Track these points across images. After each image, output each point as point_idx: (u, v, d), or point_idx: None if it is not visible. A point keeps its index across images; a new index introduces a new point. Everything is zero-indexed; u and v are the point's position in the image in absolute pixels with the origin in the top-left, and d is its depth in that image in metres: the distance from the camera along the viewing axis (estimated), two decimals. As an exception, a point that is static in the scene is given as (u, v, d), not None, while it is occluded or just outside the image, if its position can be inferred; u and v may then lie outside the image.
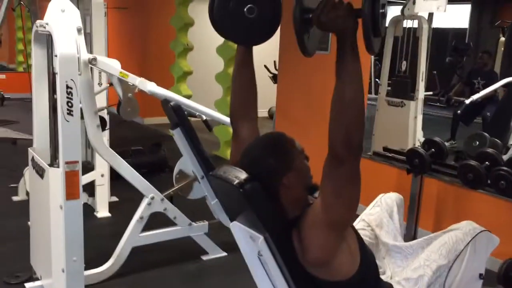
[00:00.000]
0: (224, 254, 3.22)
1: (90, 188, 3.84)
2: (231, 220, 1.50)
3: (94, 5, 3.51)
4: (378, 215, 1.98)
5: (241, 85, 1.66)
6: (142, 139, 6.06)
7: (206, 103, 3.21)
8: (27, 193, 3.91)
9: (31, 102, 2.69)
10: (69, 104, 2.36)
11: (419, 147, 3.32)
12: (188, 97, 5.60)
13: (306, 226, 1.38)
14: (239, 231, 1.48)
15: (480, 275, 1.69)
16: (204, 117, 3.12)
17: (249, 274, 1.59)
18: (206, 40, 7.18)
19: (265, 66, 6.21)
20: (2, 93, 8.24)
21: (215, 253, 3.20)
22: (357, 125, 1.24)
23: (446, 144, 3.29)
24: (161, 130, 6.90)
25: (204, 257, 3.18)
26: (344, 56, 1.23)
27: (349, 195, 1.31)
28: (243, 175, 1.32)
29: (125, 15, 7.75)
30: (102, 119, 2.85)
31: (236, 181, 1.30)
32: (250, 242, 1.45)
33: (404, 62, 4.50)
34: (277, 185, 1.40)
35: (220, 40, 5.76)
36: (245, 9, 1.54)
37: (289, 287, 1.38)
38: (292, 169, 1.42)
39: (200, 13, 7.15)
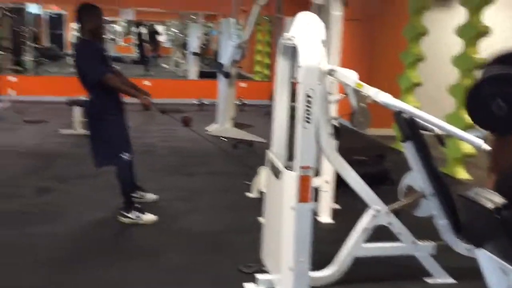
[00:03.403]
0: (452, 281, 2.98)
1: (314, 193, 3.99)
2: (477, 246, 1.36)
3: (333, 18, 3.65)
4: None
5: None
6: (365, 149, 6.05)
7: (434, 116, 3.03)
8: (259, 191, 4.30)
9: (266, 108, 2.93)
10: (308, 112, 2.49)
11: None
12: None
13: None
14: (487, 260, 1.33)
15: None
16: (437, 131, 2.94)
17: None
18: (439, 50, 6.83)
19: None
20: (242, 99, 9.24)
21: (441, 277, 2.99)
22: None
23: None
24: (385, 141, 6.80)
25: (429, 280, 2.99)
26: None
27: None
28: (499, 199, 1.19)
29: (355, 26, 7.87)
30: (336, 128, 2.93)
31: (492, 206, 1.17)
32: (500, 275, 1.30)
33: None
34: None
35: (457, 49, 5.40)
36: (493, 106, 1.48)
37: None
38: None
39: (435, 22, 6.83)
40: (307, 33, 2.54)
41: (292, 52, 2.80)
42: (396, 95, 6.71)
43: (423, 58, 6.42)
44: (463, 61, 5.31)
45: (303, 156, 2.50)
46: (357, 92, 2.97)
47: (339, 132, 3.00)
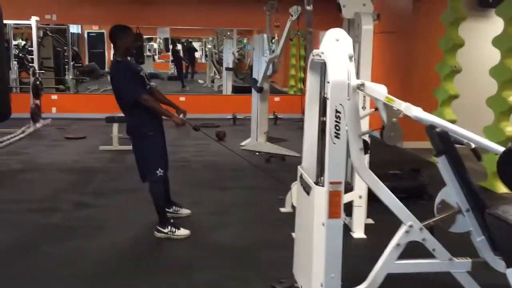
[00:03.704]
0: (489, 298, 2.88)
1: (347, 208, 3.96)
2: (508, 265, 1.32)
3: (364, 33, 3.64)
4: None
5: None
6: (400, 163, 5.96)
7: (472, 129, 2.97)
8: (292, 206, 4.29)
9: (299, 122, 2.94)
10: (337, 128, 2.49)
11: None
12: (452, 122, 5.29)
13: None
14: (518, 280, 1.30)
15: None
16: (473, 145, 2.87)
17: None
18: (476, 61, 6.68)
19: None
20: (276, 113, 9.27)
21: (478, 295, 2.89)
22: None
23: None
24: (421, 155, 6.67)
25: (465, 298, 2.91)
26: None
27: None
28: (528, 217, 1.16)
29: (389, 39, 7.82)
30: (365, 143, 2.90)
31: (520, 224, 1.15)
32: (532, 296, 1.26)
33: None
34: None
35: (495, 60, 5.27)
36: None
37: None
38: None
39: (471, 33, 6.70)
40: (336, 49, 2.55)
41: (322, 68, 2.81)
42: (433, 108, 6.59)
43: (459, 69, 6.30)
44: (500, 72, 5.17)
45: (333, 171, 2.49)
46: (387, 106, 2.94)
47: (368, 146, 2.97)
